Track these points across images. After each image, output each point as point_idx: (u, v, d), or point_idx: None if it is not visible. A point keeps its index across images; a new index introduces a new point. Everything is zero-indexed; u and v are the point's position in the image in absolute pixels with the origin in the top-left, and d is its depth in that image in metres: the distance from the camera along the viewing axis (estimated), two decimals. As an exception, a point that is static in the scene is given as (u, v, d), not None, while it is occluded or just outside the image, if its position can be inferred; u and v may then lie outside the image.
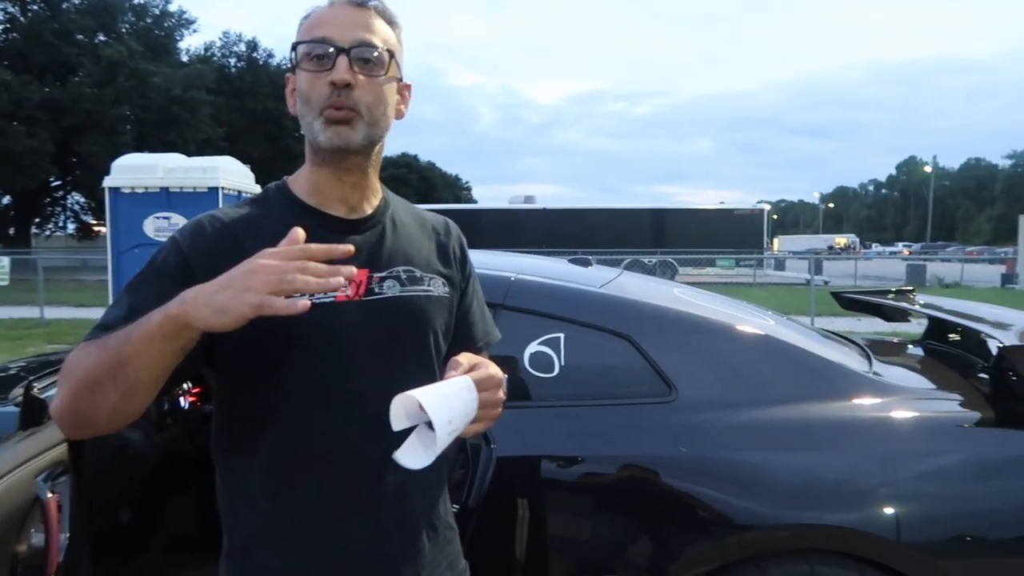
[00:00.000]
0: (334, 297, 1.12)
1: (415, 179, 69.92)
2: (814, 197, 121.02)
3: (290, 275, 0.93)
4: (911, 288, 3.48)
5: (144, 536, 2.58)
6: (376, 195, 1.23)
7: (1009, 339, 2.08)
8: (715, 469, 1.95)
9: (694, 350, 2.12)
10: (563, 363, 2.08)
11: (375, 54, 1.13)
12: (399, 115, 1.22)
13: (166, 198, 7.43)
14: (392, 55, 1.16)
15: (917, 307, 3.02)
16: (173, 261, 1.10)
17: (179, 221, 7.49)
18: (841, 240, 59.64)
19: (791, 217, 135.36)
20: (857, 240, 63.40)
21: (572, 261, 2.80)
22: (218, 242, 1.11)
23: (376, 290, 1.16)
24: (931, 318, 2.92)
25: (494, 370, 1.14)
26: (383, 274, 1.18)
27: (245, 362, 1.11)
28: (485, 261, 2.10)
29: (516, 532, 1.94)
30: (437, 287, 1.24)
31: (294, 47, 1.15)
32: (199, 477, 2.68)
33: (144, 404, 1.03)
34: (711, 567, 1.88)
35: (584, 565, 1.97)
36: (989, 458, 1.94)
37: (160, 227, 7.47)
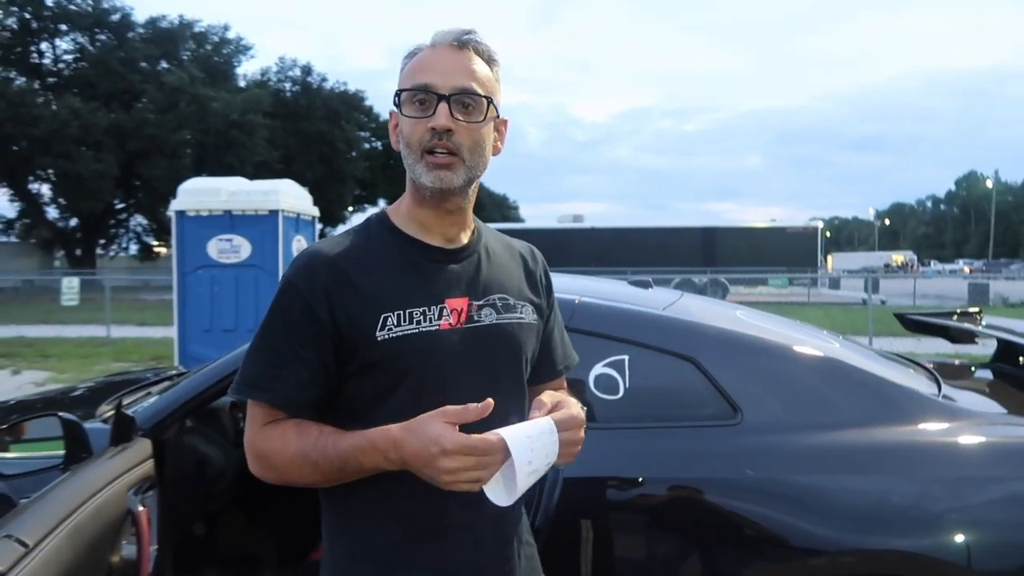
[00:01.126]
0: (439, 326, 1.19)
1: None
2: (869, 213, 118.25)
3: (480, 474, 1.07)
4: (978, 309, 3.41)
5: (220, 547, 2.68)
6: (470, 226, 1.31)
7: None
8: (780, 492, 1.96)
9: (759, 372, 2.13)
10: (628, 385, 2.12)
11: (474, 99, 1.20)
12: (496, 152, 1.29)
13: (229, 220, 7.65)
14: (490, 101, 1.22)
15: (983, 328, 2.97)
16: (297, 307, 1.19)
17: (241, 243, 7.71)
18: (898, 258, 58.16)
19: (845, 234, 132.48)
20: (915, 257, 61.76)
21: (632, 283, 2.83)
22: (329, 279, 1.19)
23: (475, 318, 1.24)
24: (1000, 340, 2.87)
25: (576, 410, 1.20)
26: (481, 302, 1.25)
27: (357, 391, 1.20)
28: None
29: (581, 553, 1.97)
30: (528, 314, 1.31)
31: (398, 93, 1.23)
32: (273, 492, 2.77)
33: None
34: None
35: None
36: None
37: (223, 249, 7.70)
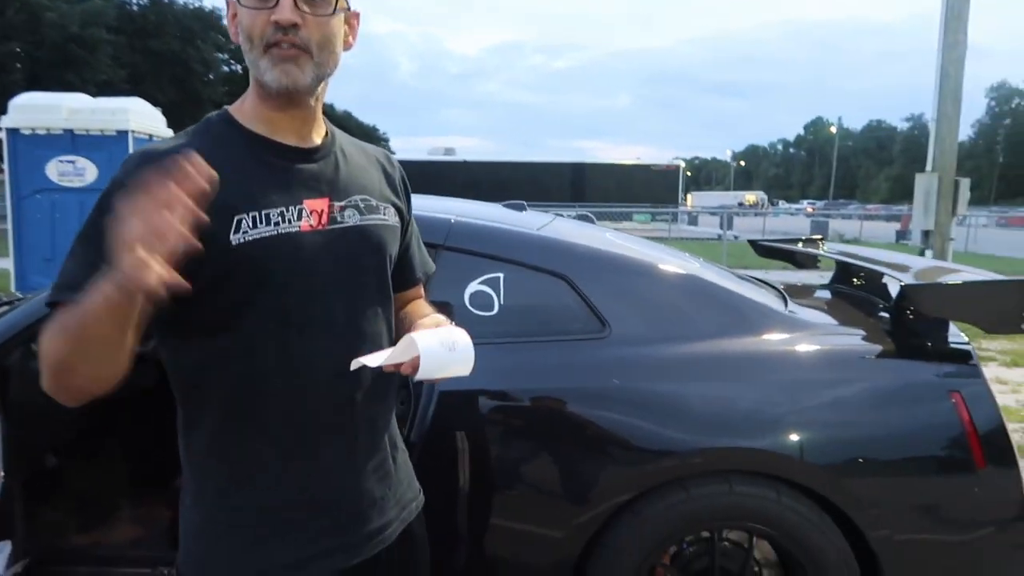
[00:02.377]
0: (299, 227, 1.13)
1: (331, 129, 67.67)
2: (726, 155, 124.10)
3: (165, 242, 0.87)
4: (820, 237, 3.70)
5: (76, 480, 2.55)
6: (322, 126, 1.23)
7: (908, 280, 2.27)
8: (644, 400, 2.08)
9: (626, 289, 2.23)
10: (502, 302, 2.16)
11: None
12: (347, 46, 1.21)
13: (71, 140, 7.01)
14: None
15: (825, 251, 3.24)
16: None
17: (85, 165, 7.11)
18: (750, 197, 61.46)
19: (704, 174, 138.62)
20: (765, 197, 65.54)
21: (507, 206, 2.86)
22: None
23: (338, 219, 1.17)
24: (838, 263, 3.13)
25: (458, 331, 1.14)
26: (343, 203, 1.19)
27: (210, 303, 1.09)
28: (423, 204, 2.13)
29: (456, 464, 2.02)
30: (391, 216, 1.27)
31: None
32: (133, 420, 2.65)
33: (126, 360, 1.00)
34: (643, 488, 2.01)
35: (522, 494, 2.07)
36: (886, 387, 2.13)
37: (64, 171, 7.05)
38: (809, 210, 43.29)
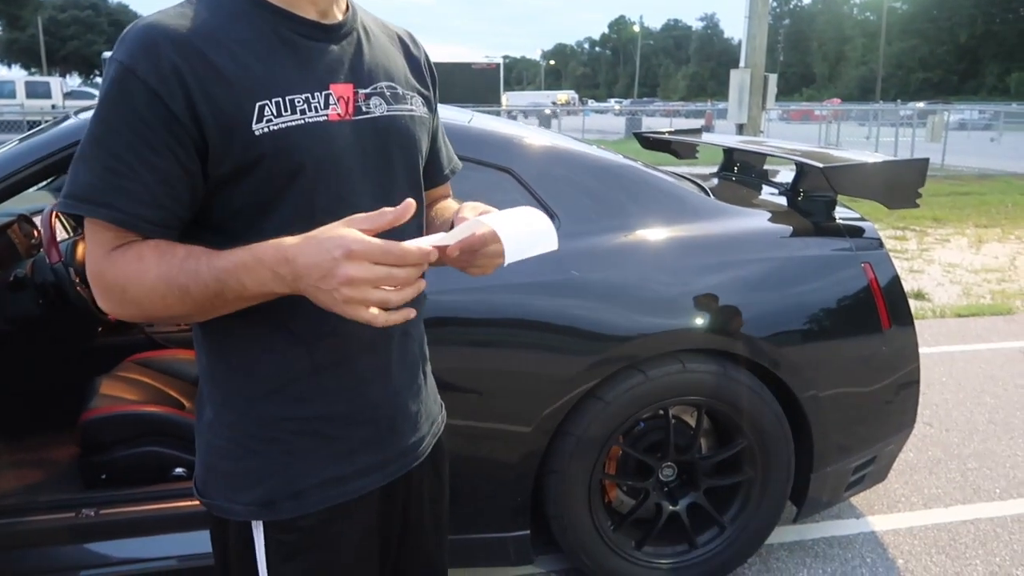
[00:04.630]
0: (326, 116, 1.00)
1: (105, 23, 60.53)
2: (536, 54, 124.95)
3: (388, 296, 0.87)
4: (699, 129, 3.87)
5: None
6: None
7: (809, 162, 2.43)
8: (599, 289, 2.11)
9: (571, 181, 2.22)
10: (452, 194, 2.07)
11: None
12: None
13: None
14: None
15: (706, 140, 3.39)
16: (140, 99, 0.90)
17: None
18: (562, 97, 62.74)
19: (515, 73, 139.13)
20: (576, 96, 67.22)
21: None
22: (180, 60, 0.91)
23: (363, 108, 1.04)
24: (725, 149, 3.29)
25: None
26: (368, 90, 1.06)
27: (231, 200, 0.98)
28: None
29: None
30: (418, 106, 1.15)
31: None
32: (21, 352, 2.33)
33: None
34: (606, 374, 2.07)
35: (488, 393, 2.06)
36: (810, 261, 2.31)
37: None
38: (617, 108, 44.97)
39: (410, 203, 0.89)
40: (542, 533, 2.20)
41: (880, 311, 2.30)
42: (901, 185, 2.39)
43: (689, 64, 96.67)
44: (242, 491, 1.05)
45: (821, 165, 2.35)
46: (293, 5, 1.01)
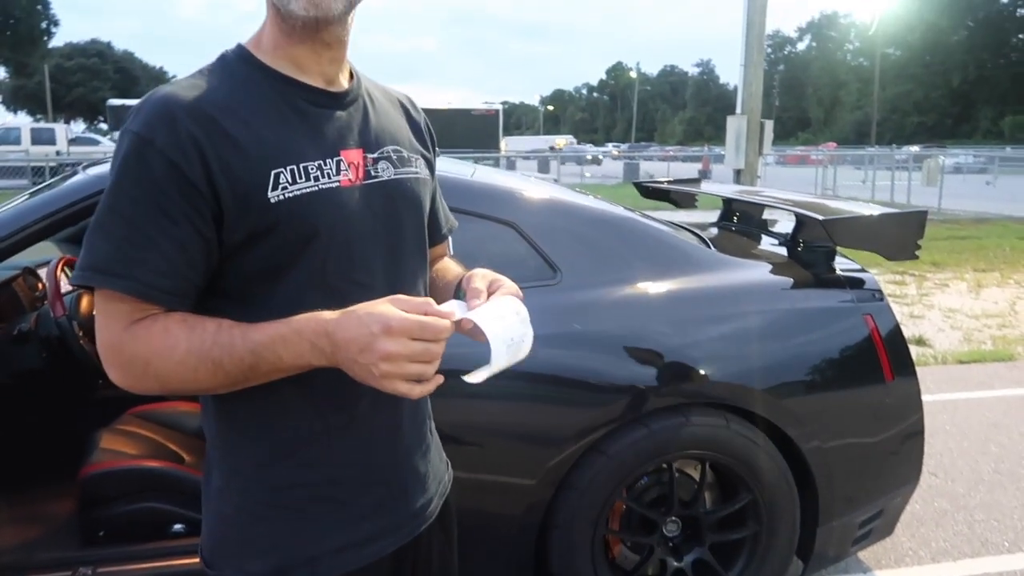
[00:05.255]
0: (339, 182, 1.02)
1: (111, 71, 61.46)
2: (534, 99, 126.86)
3: (424, 369, 0.89)
4: (697, 178, 3.91)
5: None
6: (347, 67, 1.11)
7: (809, 214, 2.46)
8: (602, 342, 2.12)
9: (573, 234, 2.24)
10: (451, 253, 2.08)
11: None
12: None
13: None
14: None
15: (704, 190, 3.43)
16: (158, 168, 0.92)
17: None
18: (560, 141, 63.46)
19: (514, 118, 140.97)
20: (574, 140, 68.02)
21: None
22: (197, 129, 0.93)
23: (372, 173, 1.06)
24: (724, 199, 3.32)
25: (511, 283, 1.08)
26: (376, 155, 1.08)
27: (246, 266, 0.99)
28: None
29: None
30: (422, 168, 1.17)
31: None
32: (22, 406, 2.32)
33: None
34: (609, 427, 2.07)
35: (492, 446, 2.05)
36: (812, 313, 2.31)
37: None
38: (615, 153, 45.43)
39: (452, 313, 0.94)
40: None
41: (882, 362, 2.30)
42: (900, 238, 2.41)
43: (686, 109, 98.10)
44: (253, 560, 1.04)
45: (821, 218, 2.37)
46: (302, 73, 1.03)
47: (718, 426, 2.15)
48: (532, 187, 2.37)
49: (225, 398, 1.03)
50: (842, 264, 2.51)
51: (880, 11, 62.53)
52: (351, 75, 1.11)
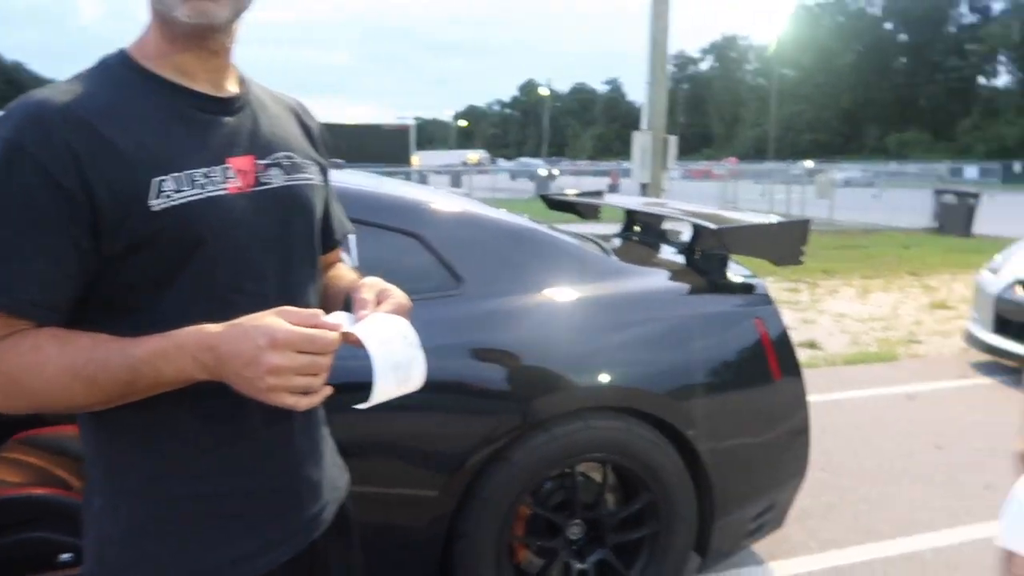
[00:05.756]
0: (226, 189, 1.01)
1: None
2: (446, 115, 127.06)
3: (311, 381, 0.90)
4: (601, 192, 4.03)
5: None
6: (234, 72, 1.10)
7: (706, 224, 2.58)
8: (505, 351, 2.16)
9: (476, 244, 2.28)
10: (356, 263, 2.09)
11: None
12: None
13: None
14: None
15: (609, 201, 3.53)
16: (31, 178, 0.89)
17: None
18: (473, 157, 63.59)
19: (426, 134, 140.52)
20: (487, 156, 68.36)
21: (325, 165, 2.73)
22: (72, 136, 0.91)
23: (262, 179, 1.06)
24: (628, 211, 3.43)
25: (400, 294, 1.08)
26: (266, 161, 1.07)
27: (129, 277, 0.96)
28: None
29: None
30: (315, 175, 1.17)
31: None
32: None
33: None
34: (511, 435, 2.10)
35: (395, 459, 2.05)
36: (706, 318, 2.42)
37: None
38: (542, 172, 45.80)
39: (339, 325, 0.94)
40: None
41: (771, 363, 2.43)
42: (786, 244, 2.55)
43: (595, 125, 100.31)
44: (144, 574, 1.01)
45: (714, 227, 2.49)
46: (186, 79, 1.01)
47: (618, 429, 2.22)
48: (437, 199, 2.40)
49: (106, 414, 1.00)
50: (735, 271, 2.64)
51: (777, 33, 65.79)
52: (240, 81, 1.11)
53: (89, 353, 0.91)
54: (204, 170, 0.99)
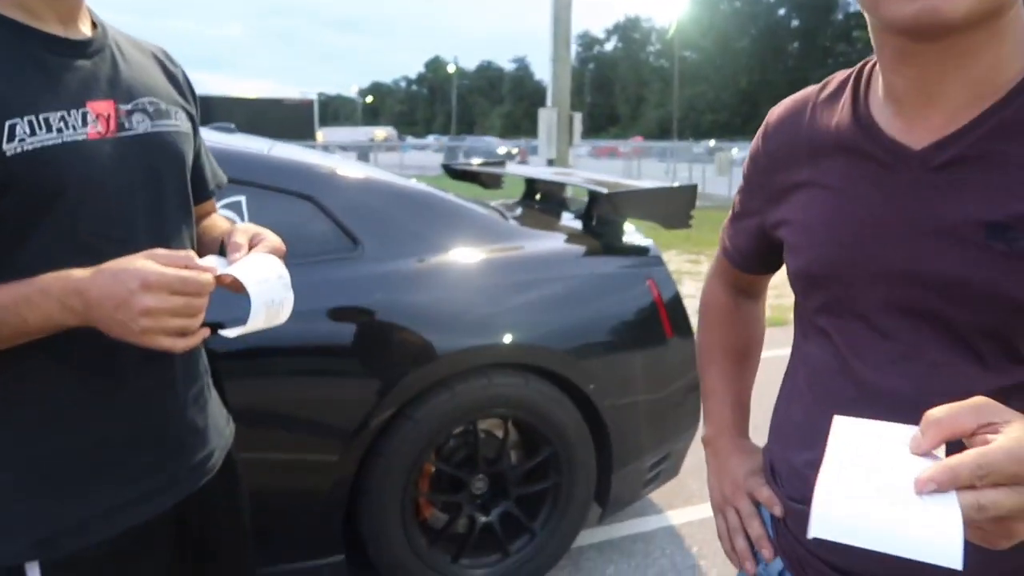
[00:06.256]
0: (85, 135, 0.97)
1: None
2: (352, 91, 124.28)
3: (187, 323, 0.91)
4: (502, 160, 4.07)
5: None
6: (87, 15, 1.07)
7: (600, 189, 2.65)
8: (404, 312, 2.17)
9: (371, 207, 2.27)
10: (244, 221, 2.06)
11: None
12: None
13: None
14: None
15: (511, 170, 3.58)
16: None
17: None
18: (380, 133, 62.49)
19: (331, 110, 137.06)
20: (395, 133, 67.39)
21: (215, 128, 2.66)
22: None
23: (126, 125, 1.03)
24: (527, 179, 3.49)
25: (274, 237, 1.10)
26: (129, 107, 1.05)
27: None
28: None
29: (226, 394, 1.92)
30: (182, 121, 1.15)
31: None
32: None
33: None
34: (411, 394, 2.12)
35: (296, 418, 2.04)
36: (601, 279, 2.51)
37: None
38: (437, 145, 45.54)
39: (214, 268, 0.95)
40: (358, 556, 2.20)
41: (664, 322, 2.53)
42: (675, 208, 2.66)
43: (503, 103, 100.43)
44: (17, 534, 0.98)
45: (606, 191, 2.57)
46: (35, 20, 0.97)
47: (519, 386, 2.27)
48: (332, 163, 2.38)
49: None
50: (629, 237, 2.73)
51: (676, 17, 67.30)
52: (94, 24, 1.07)
53: None
54: (60, 113, 0.95)
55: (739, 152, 29.53)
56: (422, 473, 2.26)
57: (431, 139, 68.17)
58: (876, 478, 0.58)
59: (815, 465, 0.62)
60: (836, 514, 0.56)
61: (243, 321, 0.96)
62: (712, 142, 31.78)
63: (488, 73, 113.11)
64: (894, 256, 0.73)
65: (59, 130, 0.94)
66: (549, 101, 12.14)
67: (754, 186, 0.96)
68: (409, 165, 27.65)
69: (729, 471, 1.04)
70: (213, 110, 24.37)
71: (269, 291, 0.97)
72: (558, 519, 2.40)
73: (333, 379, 2.08)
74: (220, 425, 1.22)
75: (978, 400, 0.59)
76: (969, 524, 0.54)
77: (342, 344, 2.09)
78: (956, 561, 0.52)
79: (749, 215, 0.99)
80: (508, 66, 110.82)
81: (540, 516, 2.40)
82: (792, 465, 0.88)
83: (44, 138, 0.93)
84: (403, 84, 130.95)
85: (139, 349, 0.92)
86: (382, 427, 2.11)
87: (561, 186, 3.37)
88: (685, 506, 2.96)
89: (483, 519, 2.34)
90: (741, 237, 1.04)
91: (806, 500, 0.81)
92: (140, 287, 0.86)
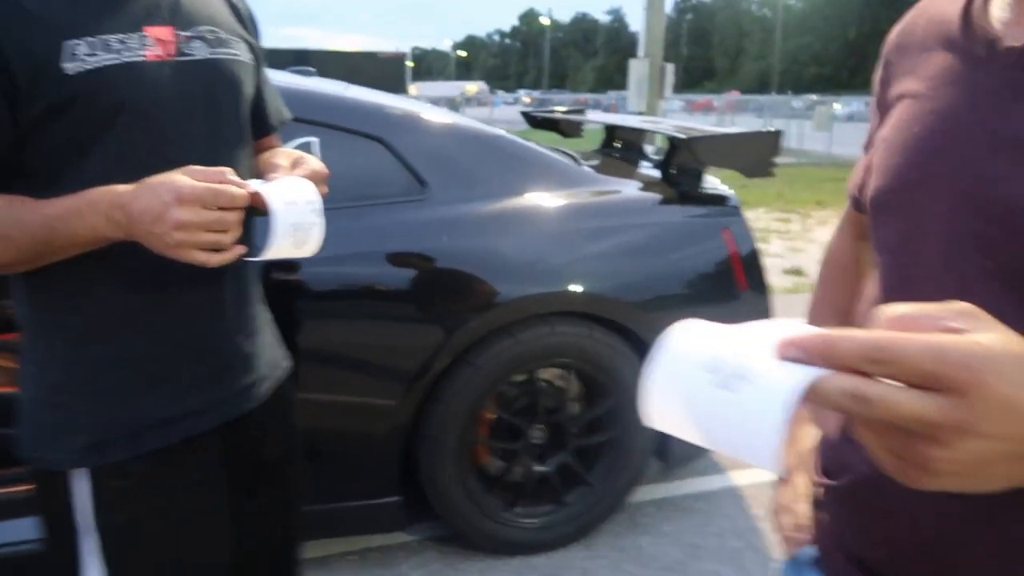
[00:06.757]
0: (144, 56, 0.99)
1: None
2: (445, 45, 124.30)
3: (219, 238, 0.93)
4: (582, 108, 3.97)
5: None
6: None
7: (680, 135, 2.55)
8: (469, 256, 2.16)
9: (441, 150, 2.25)
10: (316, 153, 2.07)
11: None
12: None
13: None
14: None
15: (589, 117, 3.49)
16: None
17: None
18: (472, 88, 62.60)
19: (425, 65, 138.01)
20: (487, 87, 67.30)
21: (295, 71, 2.69)
22: None
23: (185, 51, 1.04)
24: (606, 126, 3.39)
25: (316, 162, 1.11)
26: (188, 33, 1.06)
27: (46, 144, 0.96)
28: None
29: (289, 336, 1.96)
30: (243, 52, 1.15)
31: None
32: None
33: None
34: (473, 340, 2.12)
35: (359, 359, 2.08)
36: (674, 228, 2.42)
37: None
38: (527, 100, 45.18)
39: (248, 185, 0.96)
40: (416, 499, 2.23)
41: (738, 276, 2.43)
42: (757, 155, 2.53)
43: (597, 56, 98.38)
44: (68, 438, 1.04)
45: (685, 136, 2.46)
46: None
47: (582, 336, 2.24)
48: (402, 104, 2.37)
49: (34, 278, 1.02)
50: (708, 185, 2.62)
51: (783, -38, 63.81)
52: None
53: (4, 212, 0.92)
54: (119, 36, 0.98)
55: (842, 108, 28.02)
56: (481, 420, 2.27)
57: (521, 93, 67.65)
58: (727, 356, 0.44)
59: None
60: (659, 390, 0.44)
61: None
62: (813, 96, 30.22)
63: (583, 25, 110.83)
64: (964, 175, 0.61)
65: (117, 51, 0.97)
66: (641, 52, 11.79)
67: (875, 109, 0.82)
68: (498, 119, 27.60)
69: (798, 440, 0.95)
70: (309, 62, 24.94)
71: (296, 214, 0.97)
72: (616, 473, 2.37)
73: (395, 323, 2.10)
74: (275, 358, 1.24)
75: (964, 306, 0.43)
76: (862, 431, 0.40)
77: (405, 288, 2.10)
78: (771, 461, 0.37)
79: (869, 145, 0.86)
80: (603, 18, 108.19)
81: (598, 468, 2.37)
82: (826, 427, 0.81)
83: (104, 58, 0.95)
84: (496, 38, 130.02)
85: (187, 266, 0.95)
86: (442, 372, 2.12)
87: (641, 134, 3.26)
88: (748, 467, 2.87)
89: (540, 469, 2.34)
90: (860, 171, 0.90)
91: (831, 473, 0.74)
92: (174, 200, 0.89)
